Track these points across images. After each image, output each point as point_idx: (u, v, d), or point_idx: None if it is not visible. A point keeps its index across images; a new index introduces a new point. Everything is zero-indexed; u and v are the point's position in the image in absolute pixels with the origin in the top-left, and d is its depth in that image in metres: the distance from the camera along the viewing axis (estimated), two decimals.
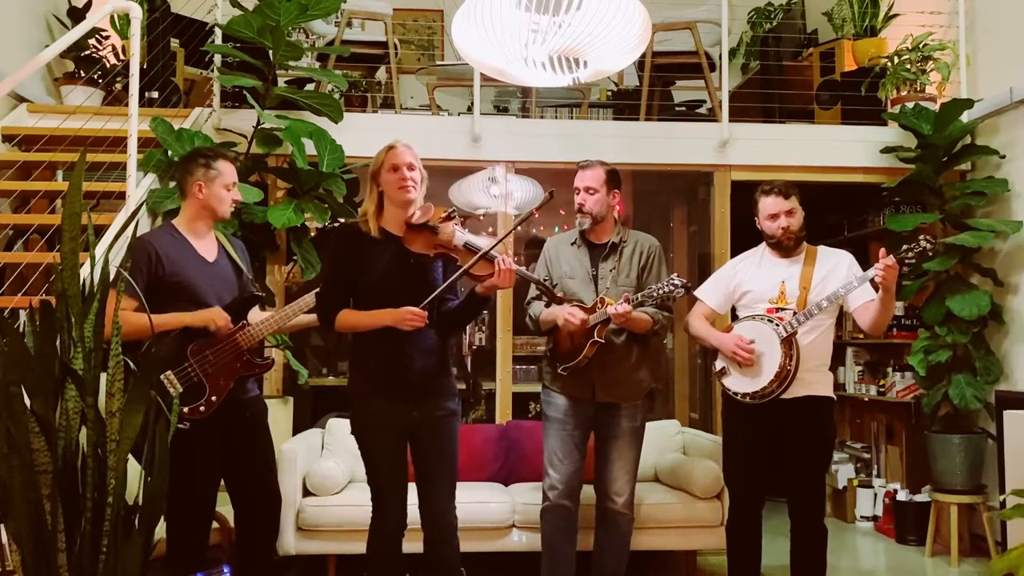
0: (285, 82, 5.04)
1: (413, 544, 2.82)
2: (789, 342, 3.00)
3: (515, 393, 4.74)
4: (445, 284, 2.69)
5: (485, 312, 4.81)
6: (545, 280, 3.01)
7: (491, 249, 2.67)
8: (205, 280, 2.82)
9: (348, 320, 2.73)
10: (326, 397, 5.36)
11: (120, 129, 3.90)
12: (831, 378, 3.20)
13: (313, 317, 2.93)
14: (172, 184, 4.00)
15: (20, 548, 2.13)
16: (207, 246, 2.91)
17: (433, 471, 2.81)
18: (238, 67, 4.56)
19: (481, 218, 5.34)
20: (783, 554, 3.25)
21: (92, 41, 4.83)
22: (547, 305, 3.19)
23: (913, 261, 2.99)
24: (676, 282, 3.01)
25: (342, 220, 4.48)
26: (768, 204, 3.15)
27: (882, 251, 2.89)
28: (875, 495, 5.12)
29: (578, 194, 3.22)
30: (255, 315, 2.94)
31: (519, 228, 6.09)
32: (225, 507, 3.03)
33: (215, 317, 2.74)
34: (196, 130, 4.28)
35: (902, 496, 4.71)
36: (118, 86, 4.83)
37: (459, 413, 2.89)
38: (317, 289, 2.87)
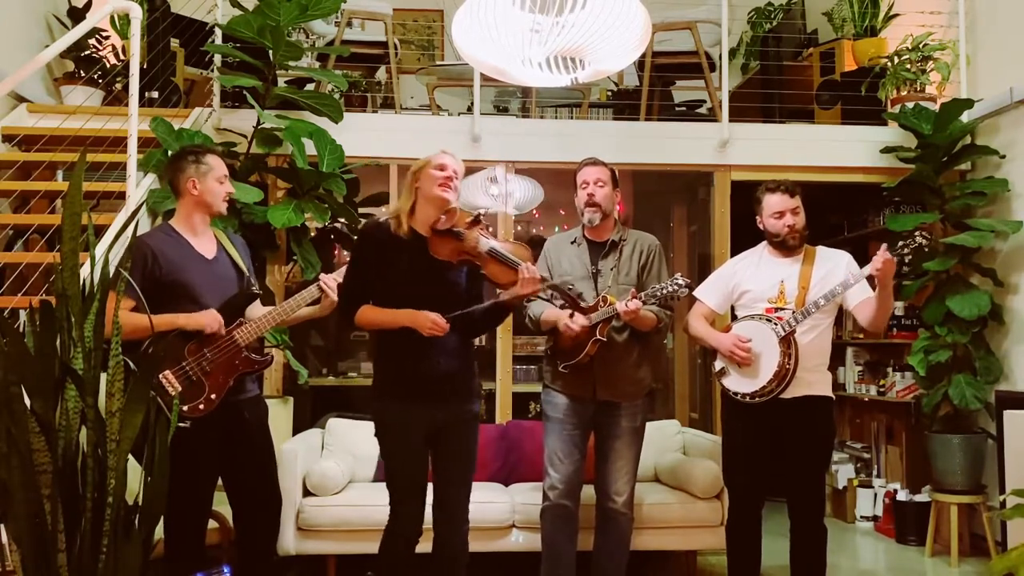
0: (285, 82, 5.04)
1: (420, 544, 2.80)
2: (787, 341, 3.00)
3: (515, 393, 4.74)
4: (475, 308, 2.69)
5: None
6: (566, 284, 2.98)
7: (500, 246, 2.66)
8: (204, 278, 2.82)
9: (368, 317, 2.73)
10: (326, 397, 5.35)
11: (120, 129, 3.90)
12: (830, 378, 3.20)
13: (314, 308, 2.94)
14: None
15: (20, 548, 2.13)
16: (205, 244, 2.91)
17: (452, 473, 2.80)
18: (238, 67, 4.56)
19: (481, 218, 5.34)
20: (783, 554, 3.25)
21: (92, 41, 4.83)
22: (571, 315, 3.10)
23: (910, 256, 2.99)
24: (680, 282, 3.02)
25: (342, 221, 4.50)
26: (774, 202, 3.15)
27: (883, 247, 2.90)
28: (875, 495, 5.12)
29: (586, 187, 3.22)
30: (256, 311, 2.93)
31: (518, 228, 6.11)
32: (225, 507, 3.02)
33: (209, 321, 2.72)
34: (196, 130, 4.28)
35: (902, 496, 4.71)
36: (118, 86, 4.83)
37: (481, 415, 2.89)
38: (318, 282, 2.90)
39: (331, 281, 2.90)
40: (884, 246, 2.89)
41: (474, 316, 2.77)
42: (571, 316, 3.07)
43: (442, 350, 2.72)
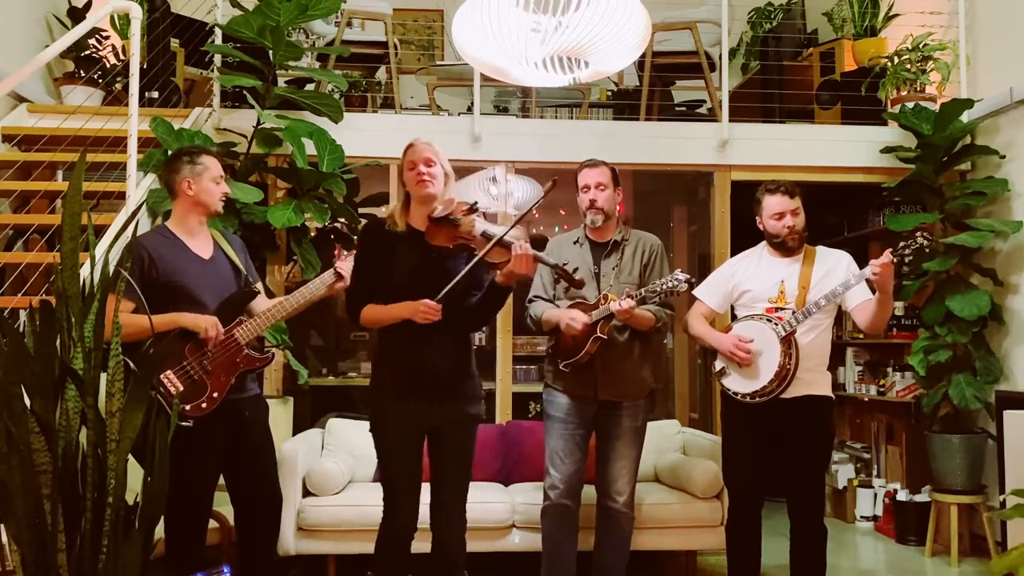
0: (285, 82, 5.04)
1: (418, 544, 2.81)
2: (788, 341, 3.00)
3: (515, 393, 4.74)
4: (459, 276, 2.65)
5: None
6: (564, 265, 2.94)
7: (505, 234, 2.63)
8: (201, 278, 2.82)
9: (371, 314, 2.76)
10: (326, 397, 5.35)
11: (120, 129, 3.90)
12: (830, 378, 3.20)
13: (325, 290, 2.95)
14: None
15: (20, 548, 2.13)
16: (202, 244, 2.90)
17: (448, 476, 2.81)
18: (238, 67, 4.56)
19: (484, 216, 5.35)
20: (783, 554, 3.25)
21: (92, 41, 4.82)
22: (566, 290, 3.14)
23: (911, 258, 2.99)
24: (680, 277, 3.01)
25: (342, 221, 4.49)
26: (774, 203, 3.15)
27: (887, 252, 2.89)
28: (875, 495, 5.12)
29: (587, 191, 3.22)
30: (260, 305, 2.93)
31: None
32: (225, 507, 3.02)
33: (208, 326, 2.72)
34: (196, 130, 4.27)
35: (902, 496, 4.71)
36: (118, 86, 4.82)
37: (482, 416, 2.88)
38: (321, 275, 2.93)
39: (347, 265, 2.93)
40: (888, 251, 2.89)
41: (469, 303, 2.77)
42: (571, 317, 3.07)
43: (438, 348, 2.73)
